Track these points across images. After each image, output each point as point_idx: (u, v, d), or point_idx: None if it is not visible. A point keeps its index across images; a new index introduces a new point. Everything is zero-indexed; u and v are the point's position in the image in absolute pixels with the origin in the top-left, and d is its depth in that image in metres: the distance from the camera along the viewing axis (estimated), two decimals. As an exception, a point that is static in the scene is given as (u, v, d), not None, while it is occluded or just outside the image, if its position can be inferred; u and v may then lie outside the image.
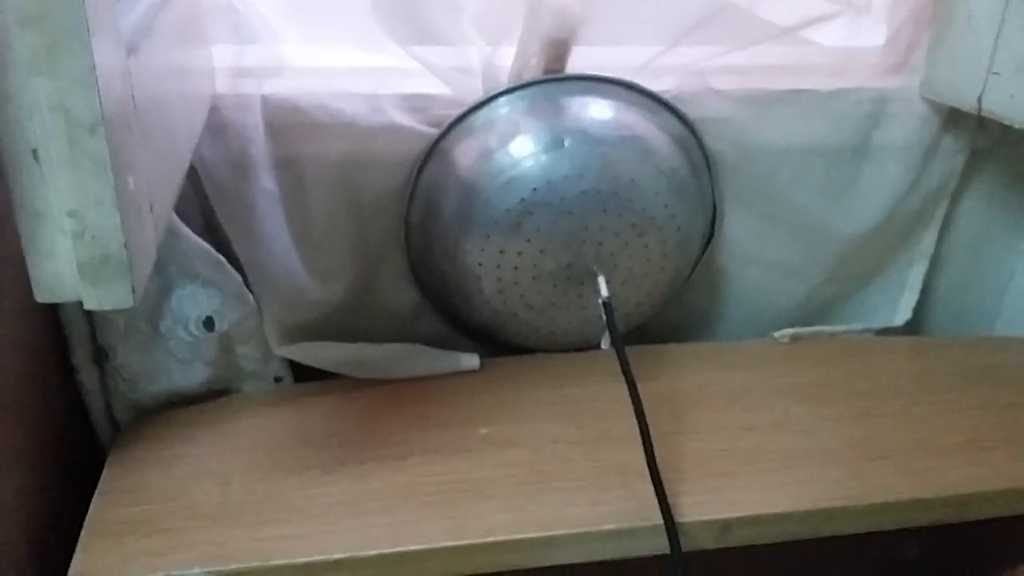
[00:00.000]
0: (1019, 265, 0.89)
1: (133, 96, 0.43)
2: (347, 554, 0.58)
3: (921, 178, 0.82)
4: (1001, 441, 0.70)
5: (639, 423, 0.62)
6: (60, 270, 0.41)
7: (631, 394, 0.63)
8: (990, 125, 0.75)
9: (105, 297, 0.42)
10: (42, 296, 0.42)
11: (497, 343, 0.81)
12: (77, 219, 0.40)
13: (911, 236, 0.86)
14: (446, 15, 0.73)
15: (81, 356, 0.69)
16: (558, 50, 0.74)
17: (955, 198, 0.85)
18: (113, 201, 0.39)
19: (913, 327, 0.89)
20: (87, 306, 0.42)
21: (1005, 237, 0.88)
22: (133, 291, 0.42)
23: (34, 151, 0.39)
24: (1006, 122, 0.72)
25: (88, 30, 0.36)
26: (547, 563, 0.61)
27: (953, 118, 0.80)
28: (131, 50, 0.43)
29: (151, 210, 0.46)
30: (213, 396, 0.74)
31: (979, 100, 0.74)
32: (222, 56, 0.72)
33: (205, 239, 0.71)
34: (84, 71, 0.36)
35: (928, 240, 0.86)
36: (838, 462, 0.67)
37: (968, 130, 0.81)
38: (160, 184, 0.50)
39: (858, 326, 0.87)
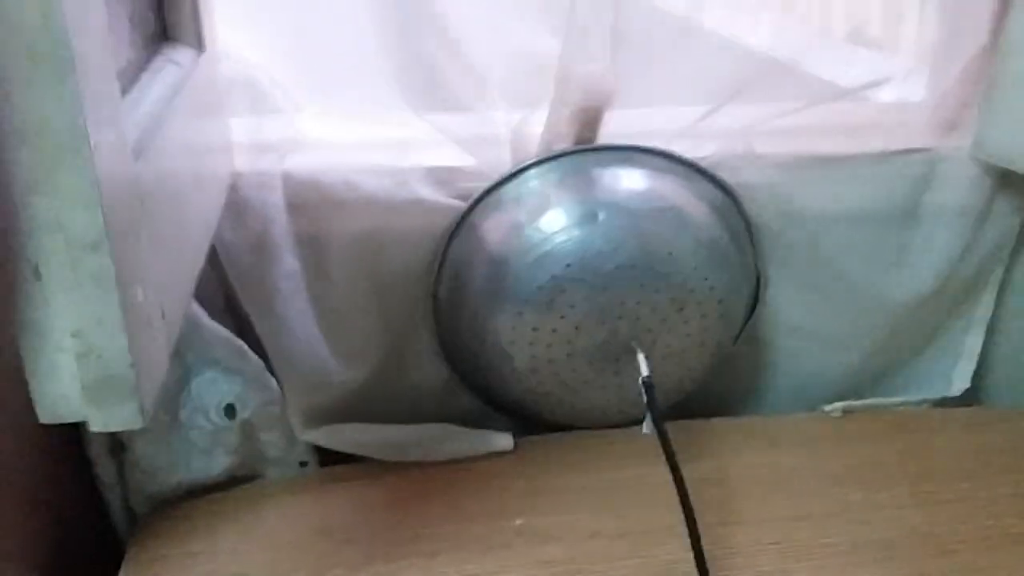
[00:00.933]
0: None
1: (142, 201, 0.40)
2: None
3: (974, 242, 0.78)
4: (1076, 531, 0.65)
5: (687, 521, 0.58)
6: (64, 391, 0.39)
7: (678, 489, 0.59)
8: (1046, 186, 0.72)
9: (112, 419, 0.39)
10: (44, 417, 0.39)
11: (531, 420, 0.77)
12: (81, 339, 0.37)
13: (966, 302, 0.81)
14: (471, 83, 0.71)
15: (97, 449, 0.66)
16: (589, 118, 0.71)
17: (1010, 261, 0.81)
18: (119, 320, 0.37)
19: (970, 396, 0.84)
20: (93, 428, 0.39)
21: (1064, 301, 0.84)
22: (142, 411, 0.39)
23: (35, 269, 0.36)
24: (1064, 184, 0.68)
25: (88, 144, 0.33)
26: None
27: (1006, 179, 0.76)
28: (139, 152, 0.41)
29: (163, 317, 0.44)
30: (235, 483, 0.71)
31: (1034, 162, 0.70)
32: (240, 131, 0.70)
33: (226, 320, 0.69)
34: (84, 188, 0.34)
35: (984, 306, 0.81)
36: (900, 558, 0.62)
37: (1022, 192, 0.77)
38: (173, 286, 0.47)
39: (913, 397, 0.82)
